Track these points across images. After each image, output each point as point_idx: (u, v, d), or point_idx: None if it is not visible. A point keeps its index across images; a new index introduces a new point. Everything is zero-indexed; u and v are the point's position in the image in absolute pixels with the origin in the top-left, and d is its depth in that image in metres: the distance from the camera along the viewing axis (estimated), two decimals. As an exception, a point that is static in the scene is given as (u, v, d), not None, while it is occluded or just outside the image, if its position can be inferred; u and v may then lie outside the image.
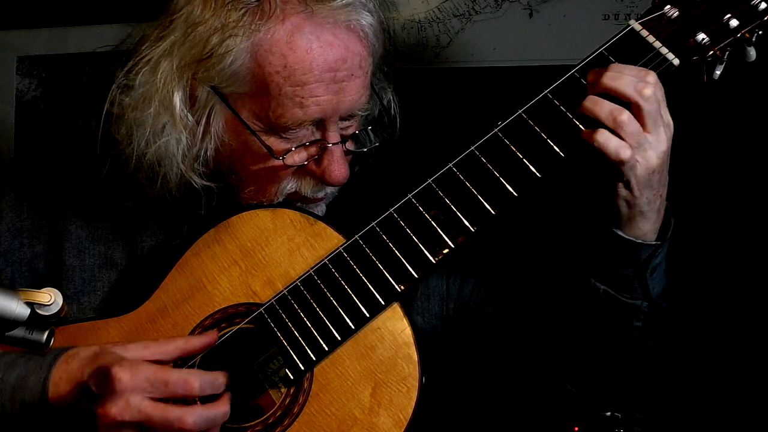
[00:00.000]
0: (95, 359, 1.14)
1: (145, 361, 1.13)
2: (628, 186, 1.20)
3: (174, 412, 1.10)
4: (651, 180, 1.20)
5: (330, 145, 1.28)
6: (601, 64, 1.23)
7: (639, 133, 1.17)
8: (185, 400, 1.14)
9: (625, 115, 1.17)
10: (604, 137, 1.17)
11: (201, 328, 1.28)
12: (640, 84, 1.17)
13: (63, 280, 1.36)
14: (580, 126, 1.21)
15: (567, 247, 1.36)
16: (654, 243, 1.24)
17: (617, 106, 1.17)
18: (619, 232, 1.24)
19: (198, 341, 1.22)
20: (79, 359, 1.16)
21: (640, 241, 1.23)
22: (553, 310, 1.34)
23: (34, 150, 1.91)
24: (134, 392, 1.09)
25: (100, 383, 1.10)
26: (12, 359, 1.20)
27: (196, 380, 1.12)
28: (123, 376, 1.09)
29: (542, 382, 1.36)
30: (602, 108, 1.18)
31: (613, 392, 1.35)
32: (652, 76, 1.18)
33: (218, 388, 1.16)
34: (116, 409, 1.09)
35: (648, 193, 1.21)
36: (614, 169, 1.19)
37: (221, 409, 1.15)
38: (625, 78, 1.18)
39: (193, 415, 1.11)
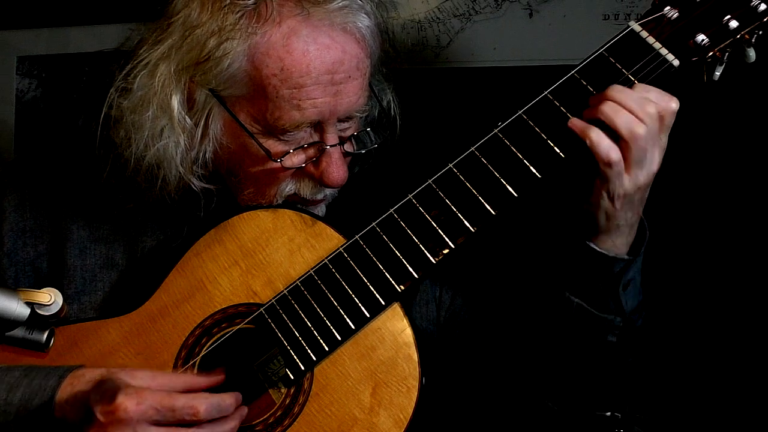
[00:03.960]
0: (101, 384, 1.13)
1: (149, 388, 1.12)
2: (611, 198, 1.20)
3: None
4: (634, 197, 1.20)
5: (328, 147, 1.28)
6: (601, 65, 1.23)
7: (644, 149, 1.17)
8: None
9: (642, 129, 1.16)
10: (597, 136, 1.17)
11: (201, 329, 1.28)
12: (645, 102, 1.17)
13: (64, 280, 1.37)
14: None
15: (543, 259, 1.35)
16: (626, 258, 1.24)
17: (635, 118, 1.16)
18: (592, 245, 1.24)
19: (205, 380, 1.20)
20: (85, 382, 1.16)
21: (612, 254, 1.23)
22: (532, 324, 1.34)
23: (35, 150, 1.91)
24: (140, 421, 1.09)
25: (106, 412, 1.09)
26: (15, 379, 1.19)
27: (202, 404, 1.12)
28: (129, 404, 1.08)
29: (525, 397, 1.36)
30: (621, 117, 1.16)
31: (594, 408, 1.34)
32: (653, 93, 1.18)
33: (225, 410, 1.16)
34: None
35: (628, 209, 1.21)
36: (600, 173, 1.19)
37: (228, 425, 1.16)
38: (631, 94, 1.17)
39: None
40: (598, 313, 1.26)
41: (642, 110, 1.16)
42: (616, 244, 1.24)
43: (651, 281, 1.32)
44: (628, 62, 1.22)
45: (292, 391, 1.25)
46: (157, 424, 1.10)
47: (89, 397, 1.12)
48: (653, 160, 1.19)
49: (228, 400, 1.16)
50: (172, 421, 1.11)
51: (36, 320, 1.28)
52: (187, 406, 1.11)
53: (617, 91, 1.18)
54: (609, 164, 1.17)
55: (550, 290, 1.30)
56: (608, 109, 1.17)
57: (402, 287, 1.24)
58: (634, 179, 1.19)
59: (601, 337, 1.27)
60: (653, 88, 1.20)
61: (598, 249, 1.23)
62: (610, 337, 1.27)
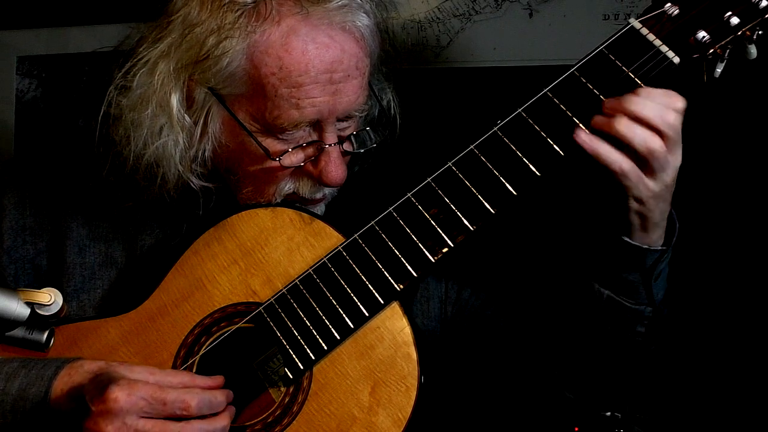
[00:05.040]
0: (97, 375, 1.13)
1: (143, 381, 1.13)
2: (639, 201, 1.19)
3: (172, 429, 1.11)
4: (664, 194, 1.20)
5: (327, 146, 1.28)
6: (600, 62, 1.22)
7: (665, 158, 1.16)
8: None
9: (658, 144, 1.15)
10: (606, 151, 1.16)
11: (200, 328, 1.28)
12: (665, 111, 1.15)
13: (64, 278, 1.37)
14: (581, 125, 1.21)
15: (571, 251, 1.35)
16: (660, 248, 1.24)
17: (651, 133, 1.15)
18: (628, 239, 1.23)
19: (203, 382, 1.20)
20: (81, 373, 1.16)
21: (646, 246, 1.23)
22: (554, 315, 1.33)
23: (35, 149, 1.92)
24: (130, 412, 1.09)
25: (98, 401, 1.09)
26: (13, 369, 1.20)
27: (193, 399, 1.12)
28: (120, 395, 1.09)
29: (541, 386, 1.36)
30: (636, 134, 1.15)
31: (612, 398, 1.34)
32: (680, 102, 1.17)
33: (217, 407, 1.16)
34: (112, 429, 1.08)
35: (662, 206, 1.21)
36: (620, 183, 1.18)
37: (221, 423, 1.16)
38: (650, 105, 1.16)
39: (192, 430, 1.11)
40: (630, 305, 1.25)
41: (663, 122, 1.15)
42: (654, 238, 1.23)
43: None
44: (628, 59, 1.21)
45: (291, 390, 1.25)
46: (148, 416, 1.10)
47: (84, 387, 1.12)
48: (676, 160, 1.18)
49: (220, 397, 1.17)
50: (163, 415, 1.11)
51: (36, 320, 1.28)
52: (178, 399, 1.12)
53: (633, 103, 1.16)
54: (625, 175, 1.16)
55: (577, 282, 1.29)
56: (622, 127, 1.15)
57: (401, 286, 1.24)
58: (660, 181, 1.18)
59: (630, 327, 1.27)
60: (657, 90, 1.18)
61: (634, 243, 1.23)
62: (639, 327, 1.27)
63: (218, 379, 1.22)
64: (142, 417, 1.10)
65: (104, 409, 1.08)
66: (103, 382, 1.10)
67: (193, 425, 1.12)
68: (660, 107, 1.16)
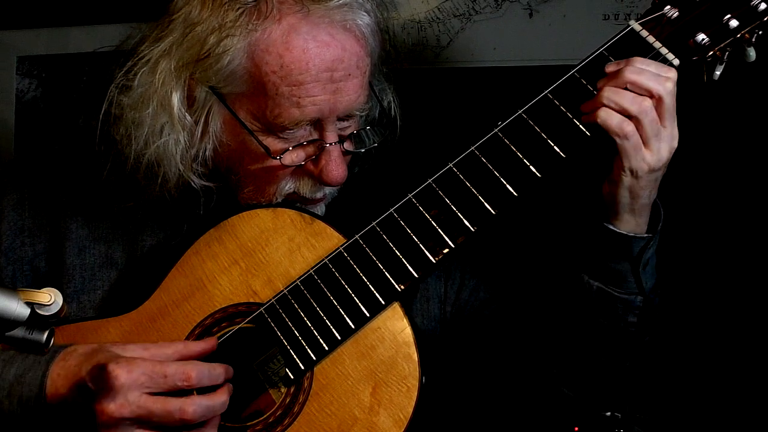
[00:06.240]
0: (93, 356, 1.14)
1: (140, 357, 1.14)
2: (634, 175, 1.20)
3: (174, 404, 1.11)
4: (656, 173, 1.21)
5: (327, 145, 1.28)
6: (601, 64, 1.23)
7: (657, 122, 1.18)
8: (184, 392, 1.15)
9: (648, 102, 1.17)
10: (606, 112, 1.18)
11: (201, 328, 1.28)
12: (662, 78, 1.18)
13: (63, 279, 1.36)
14: (581, 126, 1.22)
15: (559, 244, 1.36)
16: (647, 235, 1.25)
17: (638, 95, 1.18)
18: (611, 227, 1.24)
19: (197, 346, 1.21)
20: (77, 356, 1.17)
21: (632, 234, 1.24)
22: (548, 311, 1.34)
23: (34, 149, 1.91)
24: (132, 388, 1.10)
25: (98, 381, 1.10)
26: (10, 356, 1.20)
27: (193, 370, 1.13)
28: (120, 372, 1.09)
29: (541, 384, 1.36)
30: (625, 96, 1.18)
31: (611, 394, 1.35)
32: (673, 72, 1.19)
33: (216, 378, 1.17)
34: (115, 406, 1.09)
35: (651, 186, 1.22)
36: (618, 150, 1.19)
37: (220, 398, 1.16)
38: (648, 72, 1.18)
39: (192, 404, 1.12)
40: (619, 294, 1.26)
41: (662, 87, 1.17)
42: (639, 223, 1.24)
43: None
44: (628, 62, 1.22)
45: (292, 390, 1.25)
46: (150, 391, 1.11)
47: (81, 368, 1.13)
48: (673, 135, 1.20)
49: (218, 368, 1.17)
50: (164, 388, 1.12)
51: (36, 320, 1.28)
52: (179, 371, 1.12)
53: (632, 71, 1.18)
54: (625, 136, 1.18)
55: (567, 275, 1.30)
56: (610, 93, 1.18)
57: (402, 287, 1.25)
58: (656, 154, 1.19)
59: (622, 317, 1.28)
60: (651, 61, 1.20)
61: (619, 230, 1.24)
62: (630, 318, 1.28)
63: (211, 341, 1.22)
64: (144, 393, 1.10)
65: (105, 386, 1.09)
66: (100, 362, 1.11)
67: (193, 400, 1.12)
68: (656, 74, 1.18)
